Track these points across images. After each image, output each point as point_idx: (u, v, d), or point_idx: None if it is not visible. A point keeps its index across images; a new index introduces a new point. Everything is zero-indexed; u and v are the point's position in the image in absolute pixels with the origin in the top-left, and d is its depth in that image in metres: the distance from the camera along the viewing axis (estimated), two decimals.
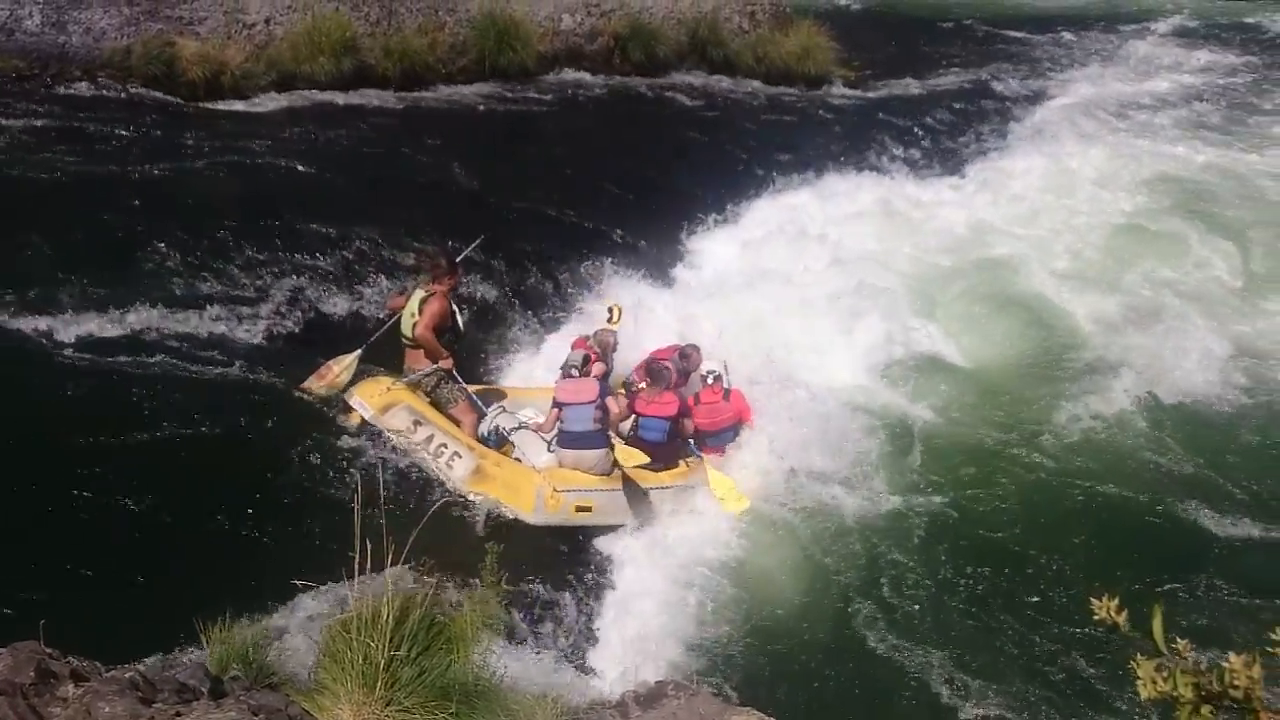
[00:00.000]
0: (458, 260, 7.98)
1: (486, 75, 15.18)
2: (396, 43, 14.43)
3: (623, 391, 8.16)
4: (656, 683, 5.71)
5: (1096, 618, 1.22)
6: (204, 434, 7.04)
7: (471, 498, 6.93)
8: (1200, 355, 9.47)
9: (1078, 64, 20.48)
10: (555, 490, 7.05)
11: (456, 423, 7.49)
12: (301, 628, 5.39)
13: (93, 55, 12.39)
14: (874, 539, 7.25)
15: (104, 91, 12.10)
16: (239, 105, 12.87)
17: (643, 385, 7.99)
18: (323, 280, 9.17)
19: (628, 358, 8.49)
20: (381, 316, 8.26)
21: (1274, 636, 1.16)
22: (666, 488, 7.54)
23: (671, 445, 7.79)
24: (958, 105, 17.24)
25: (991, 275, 10.98)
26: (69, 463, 6.47)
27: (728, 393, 8.05)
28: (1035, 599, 6.70)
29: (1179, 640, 1.40)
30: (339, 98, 13.62)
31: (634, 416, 7.85)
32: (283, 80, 13.45)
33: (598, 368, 7.86)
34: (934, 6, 24.71)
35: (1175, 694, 1.14)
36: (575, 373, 7.53)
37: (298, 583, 5.24)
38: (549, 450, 7.51)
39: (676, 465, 7.77)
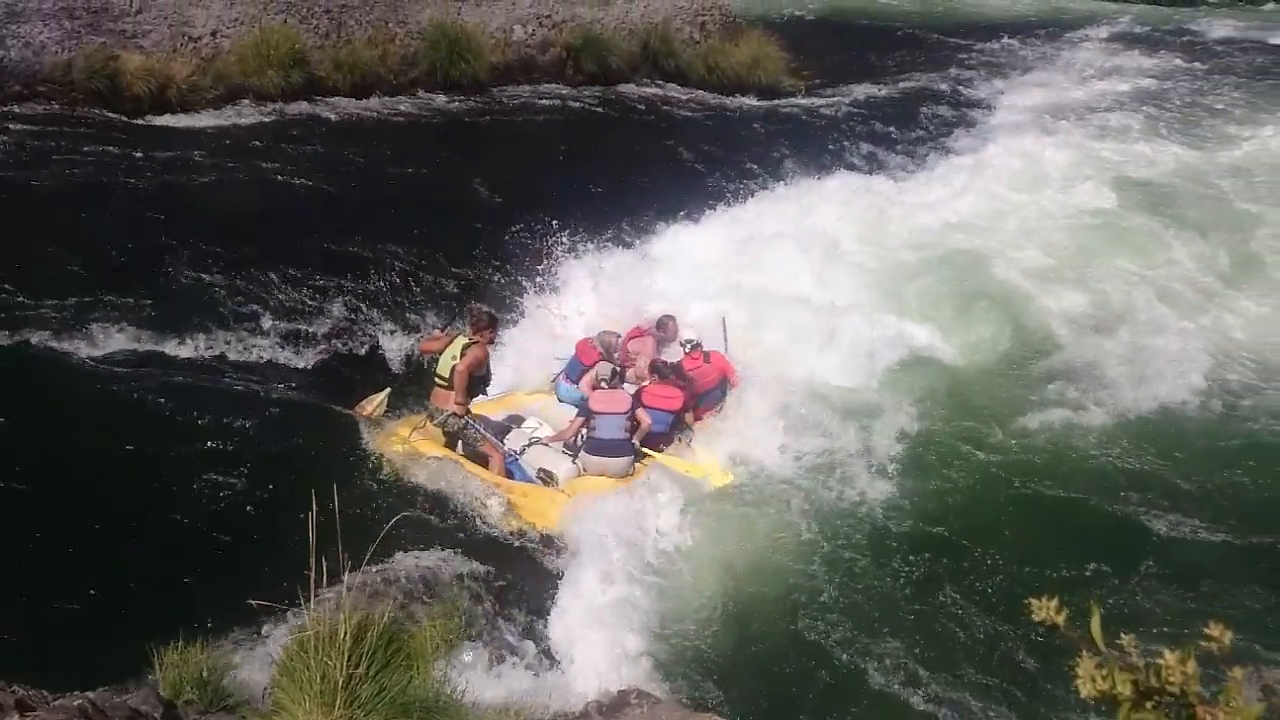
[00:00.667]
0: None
1: (439, 86, 15.13)
2: (347, 55, 14.34)
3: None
4: (619, 692, 5.70)
5: (1037, 619, 1.25)
6: (152, 454, 6.93)
7: (508, 530, 7.06)
8: (1161, 356, 9.67)
9: (1027, 68, 20.86)
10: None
11: (485, 460, 7.65)
12: (257, 649, 5.32)
13: (33, 70, 12.15)
14: (833, 535, 7.32)
15: (46, 107, 11.88)
16: (187, 120, 12.71)
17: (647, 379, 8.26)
18: (282, 292, 9.10)
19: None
20: (415, 356, 8.41)
21: (1208, 632, 1.19)
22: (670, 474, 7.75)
23: (671, 434, 8.13)
24: (908, 111, 17.46)
25: (962, 275, 11.16)
26: (8, 483, 6.32)
27: (708, 355, 8.53)
28: (992, 596, 6.78)
29: (1124, 636, 1.43)
30: (289, 111, 13.51)
31: (648, 408, 8.06)
32: (231, 94, 13.32)
33: (600, 367, 8.35)
34: (881, 14, 25.08)
35: (1115, 691, 1.16)
36: (605, 385, 7.96)
37: (253, 603, 5.17)
38: (573, 460, 7.83)
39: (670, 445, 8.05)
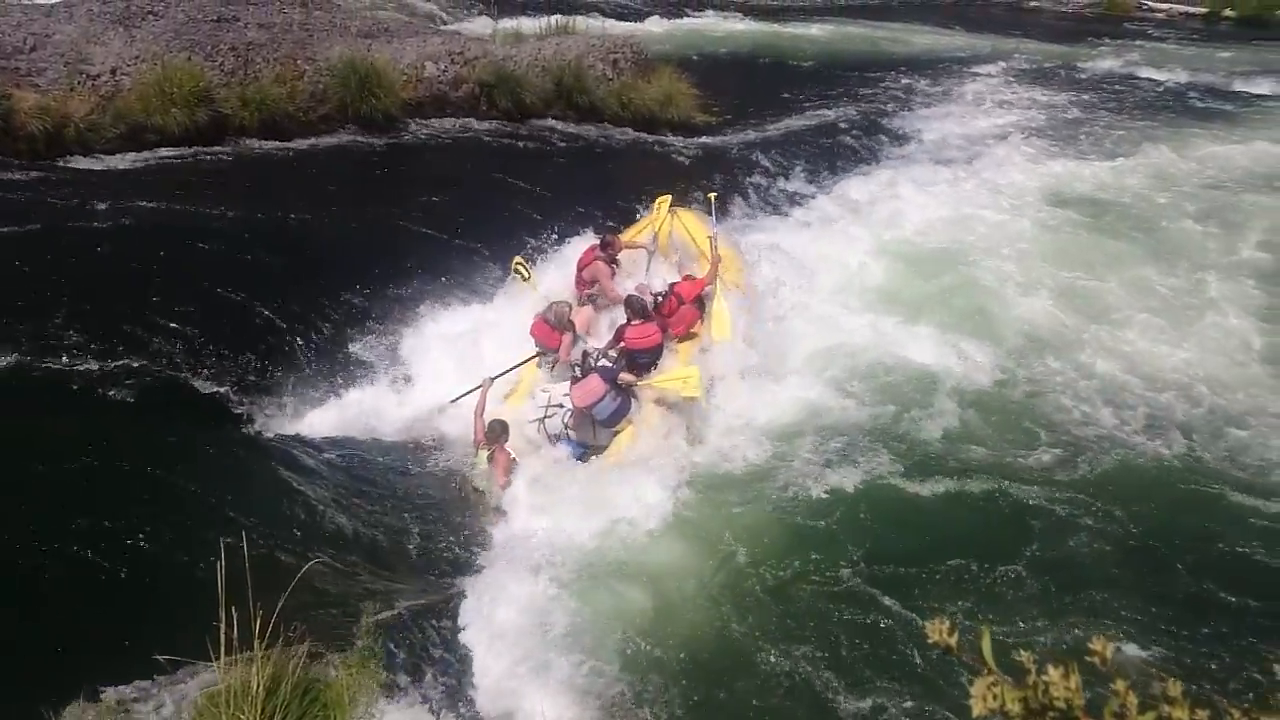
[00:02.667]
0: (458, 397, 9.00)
1: (349, 123, 14.98)
2: (254, 92, 14.11)
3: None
4: None
5: (932, 641, 1.29)
6: (44, 500, 6.63)
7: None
8: (1082, 379, 10.16)
9: (935, 101, 21.53)
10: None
11: None
12: (166, 705, 5.11)
13: None
14: (758, 550, 7.51)
15: None
16: (86, 160, 12.35)
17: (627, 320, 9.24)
18: (183, 334, 8.84)
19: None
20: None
21: (1091, 645, 1.25)
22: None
23: (653, 365, 9.05)
24: (821, 143, 17.83)
25: (890, 299, 11.58)
26: None
27: (680, 296, 9.43)
28: (903, 607, 6.92)
29: (1023, 653, 1.49)
30: (195, 148, 13.24)
31: (632, 351, 9.05)
32: (133, 132, 12.97)
33: (567, 339, 9.19)
34: (786, 53, 25.69)
35: (1005, 709, 1.21)
36: (578, 371, 8.72)
37: (160, 658, 4.98)
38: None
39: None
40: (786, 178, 15.82)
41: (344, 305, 10.10)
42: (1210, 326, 11.73)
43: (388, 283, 10.59)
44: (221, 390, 8.55)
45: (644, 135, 17.32)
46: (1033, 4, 38.62)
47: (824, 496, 8.09)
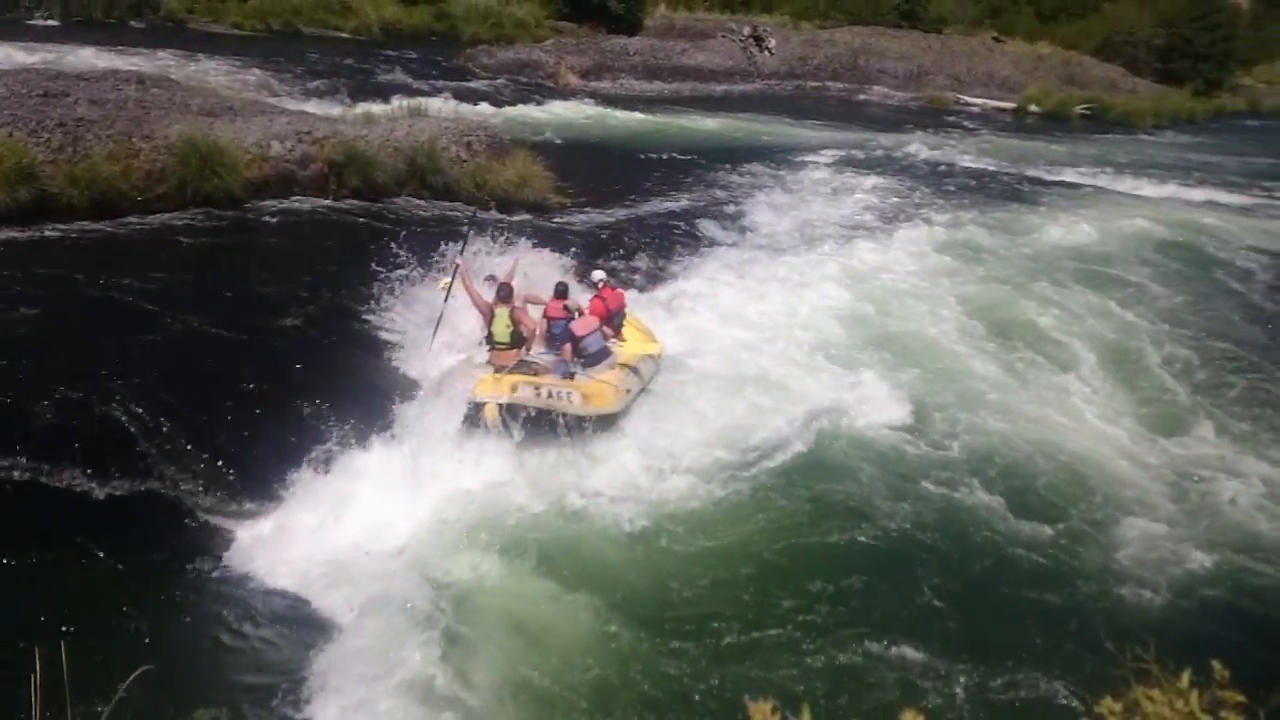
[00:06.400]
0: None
1: (189, 203, 14.48)
2: (84, 170, 13.51)
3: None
4: None
5: None
6: None
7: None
8: (940, 451, 10.65)
9: (776, 187, 22.60)
10: (624, 382, 10.27)
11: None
12: None
13: None
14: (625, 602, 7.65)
15: None
16: None
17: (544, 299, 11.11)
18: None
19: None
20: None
21: None
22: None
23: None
24: (670, 226, 18.41)
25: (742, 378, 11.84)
26: None
27: (604, 299, 11.35)
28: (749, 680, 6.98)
29: None
30: (16, 229, 12.50)
31: (548, 321, 10.73)
32: None
33: (571, 302, 10.83)
34: (643, 141, 26.54)
35: None
36: (576, 314, 10.61)
37: None
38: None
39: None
40: (634, 257, 16.22)
41: (188, 396, 9.57)
42: (1049, 398, 12.56)
43: (237, 371, 10.15)
44: (42, 494, 7.93)
45: (500, 215, 17.43)
46: (862, 97, 41.36)
47: (649, 564, 8.24)
